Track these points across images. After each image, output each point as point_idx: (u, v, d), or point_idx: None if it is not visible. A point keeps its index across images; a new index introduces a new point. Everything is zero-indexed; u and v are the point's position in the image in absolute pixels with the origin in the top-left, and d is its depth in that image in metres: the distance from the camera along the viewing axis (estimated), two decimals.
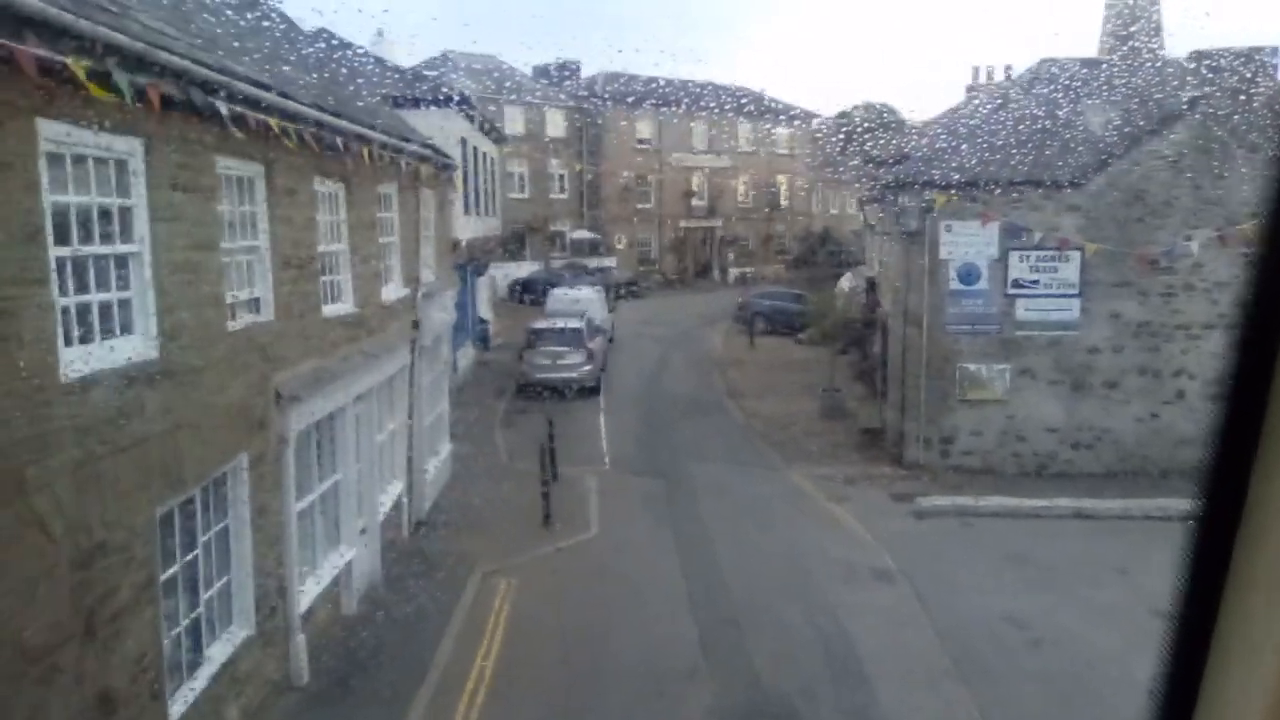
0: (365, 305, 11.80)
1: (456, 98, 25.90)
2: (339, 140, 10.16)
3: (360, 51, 25.07)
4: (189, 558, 7.76)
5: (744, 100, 60.78)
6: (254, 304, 8.92)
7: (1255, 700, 1.23)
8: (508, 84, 52.70)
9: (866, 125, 53.71)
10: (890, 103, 60.84)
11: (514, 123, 51.52)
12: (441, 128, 25.37)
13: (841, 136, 50.48)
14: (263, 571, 8.87)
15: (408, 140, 13.43)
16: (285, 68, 10.44)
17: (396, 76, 26.07)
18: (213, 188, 7.80)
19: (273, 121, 8.30)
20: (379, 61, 25.80)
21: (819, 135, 63.90)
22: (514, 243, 50.81)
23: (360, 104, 13.69)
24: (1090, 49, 22.75)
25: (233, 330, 8.24)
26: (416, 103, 23.58)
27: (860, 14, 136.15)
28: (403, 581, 12.63)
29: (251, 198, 8.84)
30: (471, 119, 29.05)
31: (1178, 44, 23.33)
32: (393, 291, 13.42)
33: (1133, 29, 22.21)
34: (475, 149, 30.63)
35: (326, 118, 9.80)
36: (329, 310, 10.60)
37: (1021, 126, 20.47)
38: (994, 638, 11.84)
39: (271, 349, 8.98)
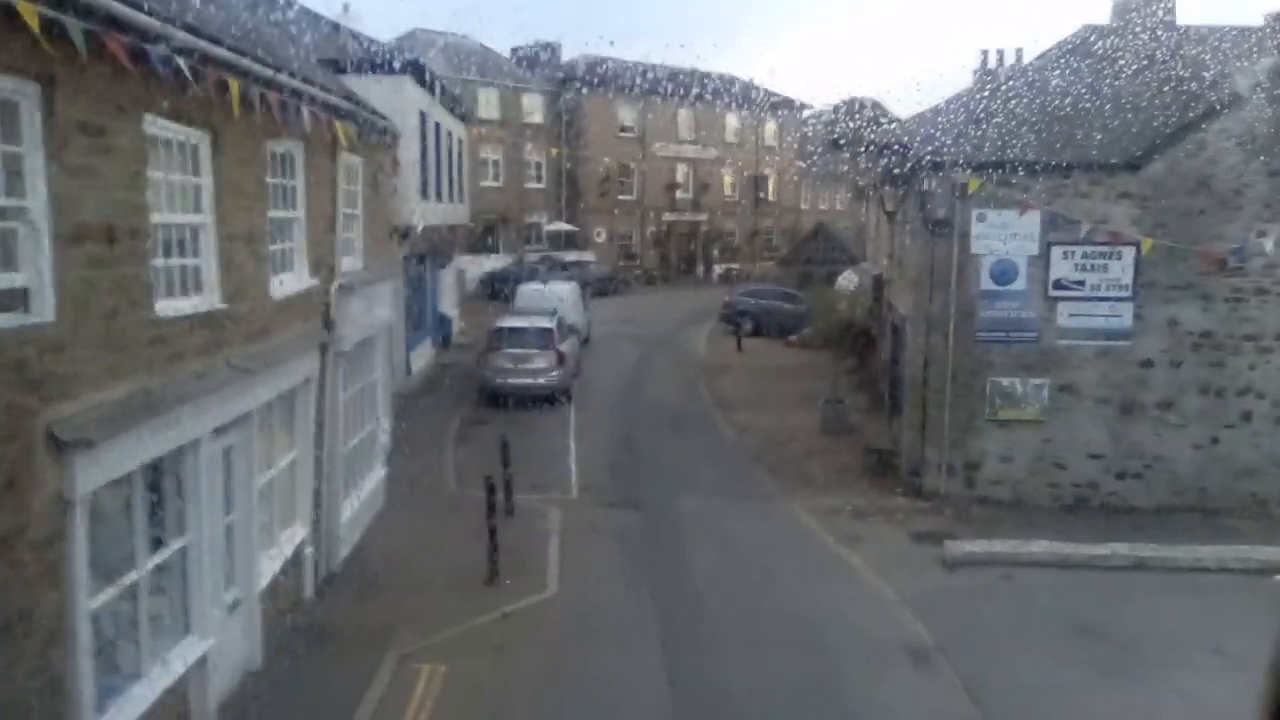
0: (239, 299, 8.67)
1: (412, 64, 22.67)
2: (199, 67, 7.05)
3: (301, 9, 21.77)
4: None
5: (731, 89, 57.81)
6: (13, 297, 5.80)
7: None
8: (482, 64, 49.44)
9: (859, 118, 50.93)
10: (880, 99, 58.12)
11: (488, 106, 48.32)
12: (395, 99, 22.15)
13: (834, 126, 47.61)
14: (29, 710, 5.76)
15: (317, 85, 10.30)
16: None
17: (344, 39, 22.79)
18: None
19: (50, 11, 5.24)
20: (321, 20, 22.55)
21: (809, 126, 61.02)
22: (485, 233, 47.63)
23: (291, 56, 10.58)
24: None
25: None
26: (363, 67, 20.38)
27: (859, 5, 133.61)
28: (289, 670, 9.50)
29: (15, 133, 5.73)
30: (432, 90, 25.83)
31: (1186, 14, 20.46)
32: (291, 282, 10.30)
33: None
34: (437, 125, 27.42)
35: (178, 33, 6.70)
36: (169, 306, 7.48)
37: (1063, 102, 17.54)
38: None
39: (44, 367, 5.87)
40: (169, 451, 7.47)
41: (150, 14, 6.34)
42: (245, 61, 7.85)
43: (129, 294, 6.77)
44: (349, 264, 12.62)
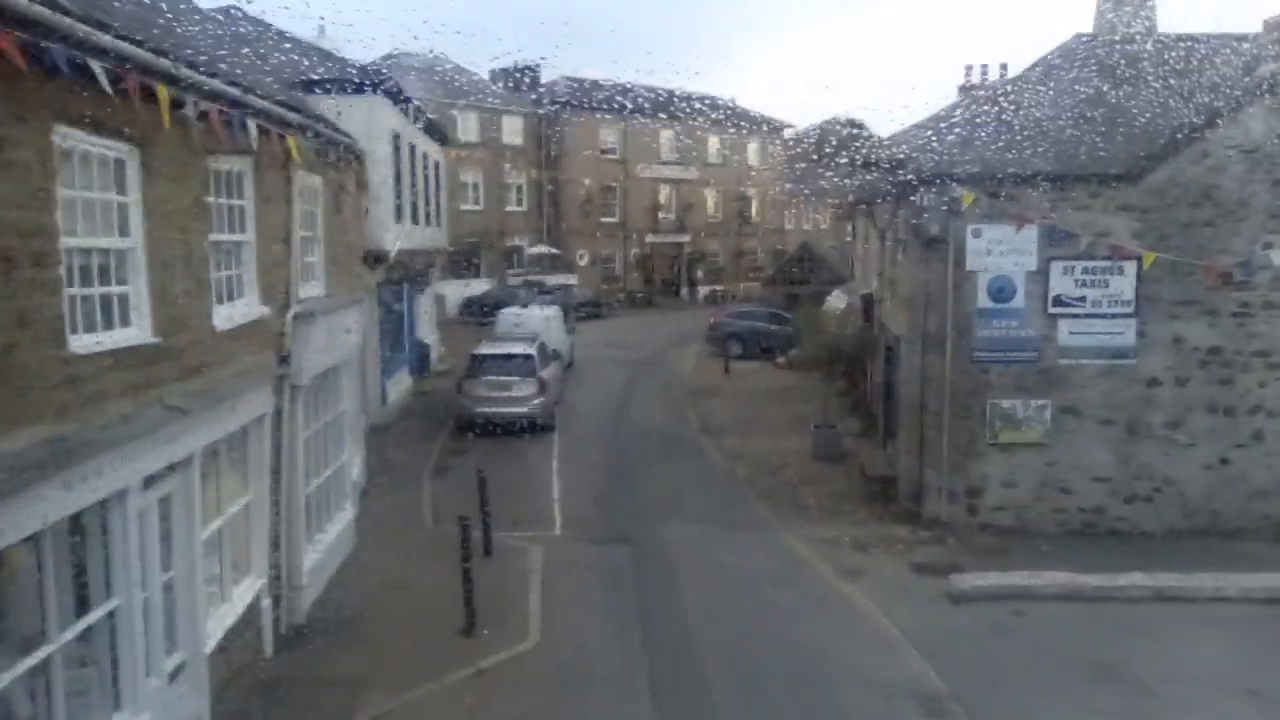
0: (175, 331, 7.81)
1: (384, 83, 21.90)
2: (116, 70, 6.24)
3: (272, 30, 20.99)
4: None
5: (713, 109, 57.39)
6: None
7: None
8: (461, 86, 48.77)
9: (844, 136, 50.55)
10: (860, 118, 57.85)
11: (467, 128, 47.63)
12: (367, 120, 21.44)
13: (819, 144, 47.16)
14: None
15: (268, 98, 9.49)
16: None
17: (312, 58, 21.98)
18: None
19: None
20: (289, 39, 21.77)
21: (792, 146, 60.66)
22: (466, 257, 46.82)
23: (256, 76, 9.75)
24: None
25: None
26: (334, 87, 19.59)
27: (832, 25, 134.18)
28: None
29: None
30: (406, 111, 25.08)
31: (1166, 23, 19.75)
32: (240, 311, 9.44)
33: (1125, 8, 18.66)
34: (413, 148, 26.64)
35: (101, 36, 5.90)
36: (87, 341, 6.61)
37: (1058, 113, 16.93)
38: None
39: None
40: (89, 505, 6.58)
41: (53, 7, 5.51)
42: (173, 66, 7.02)
43: (32, 328, 5.91)
44: (309, 290, 11.77)
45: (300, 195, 11.44)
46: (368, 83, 21.28)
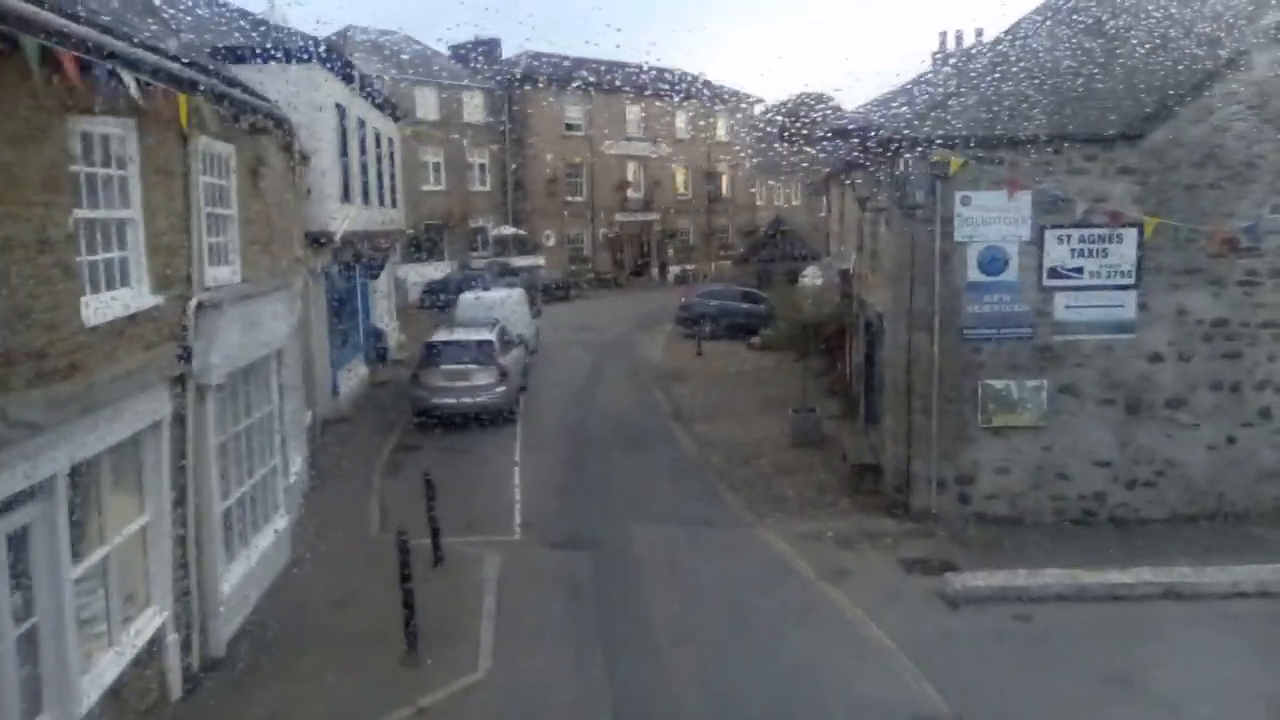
0: (23, 327, 6.40)
1: (326, 53, 20.29)
2: None
3: None
4: None
5: (681, 84, 55.86)
6: None
7: None
8: (419, 62, 46.94)
9: (816, 109, 49.29)
10: (829, 93, 56.60)
11: (426, 106, 45.86)
12: (306, 90, 19.85)
13: (790, 117, 45.91)
14: None
15: (155, 51, 8.01)
16: None
17: (249, 26, 20.31)
18: None
19: None
20: (225, 5, 20.11)
21: (762, 121, 59.35)
22: (428, 239, 45.14)
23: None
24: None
25: None
26: (263, 55, 17.99)
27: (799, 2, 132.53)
28: None
29: None
30: (353, 84, 23.47)
31: None
32: (122, 301, 8.00)
33: None
34: (362, 122, 25.04)
35: None
36: None
37: (1050, 71, 15.69)
38: None
39: None
40: None
41: None
42: (52, 16, 5.58)
43: None
44: (219, 275, 10.33)
45: (205, 167, 9.98)
46: (306, 51, 19.69)
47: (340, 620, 10.96)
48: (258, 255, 11.87)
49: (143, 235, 8.40)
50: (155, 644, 8.68)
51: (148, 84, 7.97)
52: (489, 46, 52.55)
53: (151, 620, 8.69)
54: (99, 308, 7.51)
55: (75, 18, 6.75)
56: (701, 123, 57.37)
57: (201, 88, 9.04)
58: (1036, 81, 15.41)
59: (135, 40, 7.66)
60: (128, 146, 8.22)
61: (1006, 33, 16.96)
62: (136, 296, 8.24)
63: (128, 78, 7.52)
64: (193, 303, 9.18)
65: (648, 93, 53.32)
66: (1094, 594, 11.99)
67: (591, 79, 50.80)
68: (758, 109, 60.90)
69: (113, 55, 7.26)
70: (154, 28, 10.37)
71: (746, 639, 10.76)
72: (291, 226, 16.89)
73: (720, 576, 12.54)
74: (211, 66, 9.87)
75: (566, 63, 50.74)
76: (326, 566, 12.60)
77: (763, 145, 58.03)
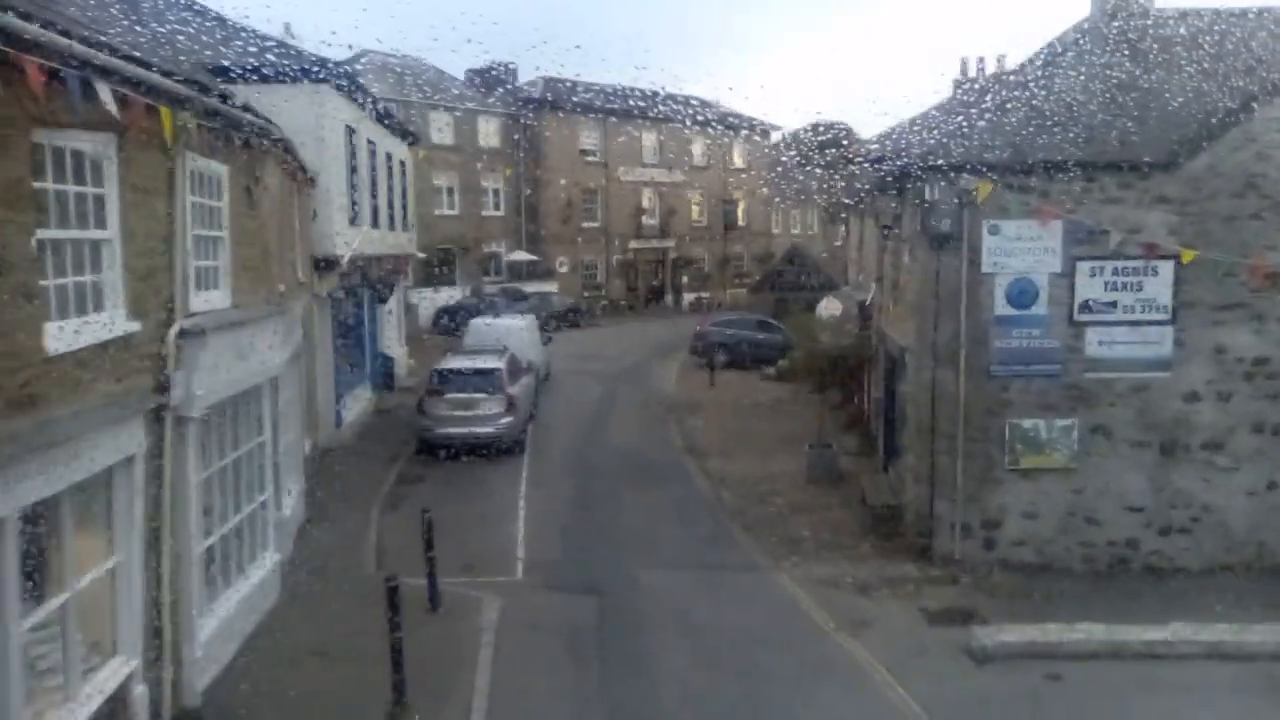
0: None
1: (335, 74, 19.91)
2: None
3: (211, 14, 18.89)
4: None
5: (697, 110, 55.57)
6: None
7: None
8: (434, 86, 46.74)
9: (835, 136, 48.90)
10: (847, 122, 56.13)
11: (441, 130, 45.63)
12: (314, 111, 19.54)
13: (810, 144, 45.48)
14: None
15: (136, 62, 7.50)
16: None
17: (260, 47, 19.92)
18: None
19: None
20: (235, 25, 19.76)
21: (779, 148, 58.97)
22: (441, 264, 44.74)
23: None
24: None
25: None
26: (268, 74, 17.59)
27: (821, 25, 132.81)
28: None
29: None
30: (363, 106, 23.12)
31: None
32: (93, 328, 7.43)
33: None
34: (373, 144, 24.70)
35: None
36: None
37: (1081, 97, 15.11)
38: None
39: None
40: None
41: None
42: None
43: None
44: (206, 300, 9.77)
45: (195, 186, 9.46)
46: (314, 71, 19.31)
47: (327, 670, 10.29)
48: (252, 279, 11.33)
49: (120, 257, 7.85)
50: (120, 697, 8.04)
51: (126, 97, 7.46)
52: (505, 71, 52.44)
53: (118, 671, 8.05)
54: (65, 335, 6.94)
55: (47, 23, 6.25)
56: (718, 149, 57.03)
57: (189, 103, 8.51)
58: (1068, 106, 14.83)
59: (114, 50, 7.13)
60: (105, 163, 7.68)
61: (1036, 56, 16.39)
62: (110, 323, 7.67)
63: (103, 89, 7.00)
64: (174, 330, 8.62)
65: (664, 119, 53.03)
66: (1131, 652, 11.21)
67: (607, 105, 50.59)
68: (775, 136, 60.60)
69: (86, 64, 6.74)
70: (145, 42, 9.93)
71: (759, 702, 10.00)
72: (295, 249, 16.43)
73: (733, 629, 11.79)
74: (204, 82, 9.34)
75: (582, 88, 50.48)
76: (316, 609, 11.93)
77: (780, 172, 57.64)
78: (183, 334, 8.70)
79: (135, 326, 8.02)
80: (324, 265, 19.92)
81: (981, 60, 27.99)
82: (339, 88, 20.65)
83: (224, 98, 10.11)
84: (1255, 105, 13.84)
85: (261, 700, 9.60)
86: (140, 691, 8.33)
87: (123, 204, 7.89)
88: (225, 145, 10.13)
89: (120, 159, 7.84)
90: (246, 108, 10.66)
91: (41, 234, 6.75)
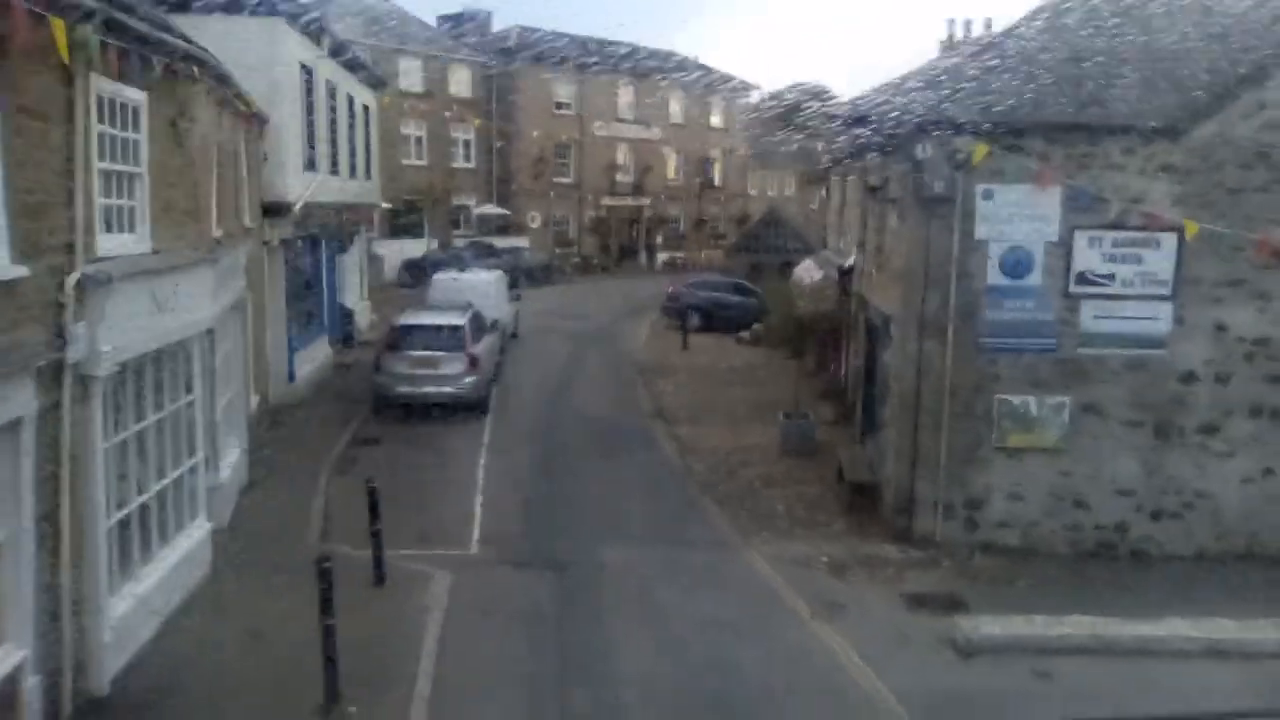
0: None
1: (284, 3, 18.52)
2: None
3: None
4: None
5: (676, 66, 54.17)
6: None
7: None
8: (403, 31, 45.00)
9: (814, 97, 47.71)
10: (825, 84, 54.91)
11: (410, 76, 43.96)
12: (264, 46, 18.24)
13: (792, 103, 44.37)
14: None
15: None
16: None
17: None
18: None
19: None
20: None
21: (760, 107, 57.70)
22: (409, 216, 43.32)
23: None
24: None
25: None
26: (212, 3, 16.26)
27: None
28: None
29: None
30: (321, 44, 21.73)
31: None
32: None
33: None
34: (333, 86, 23.35)
35: None
36: None
37: (1084, 56, 14.19)
38: None
39: None
40: None
41: None
42: None
43: None
44: (118, 244, 8.68)
45: (102, 115, 8.32)
46: (266, 4, 17.96)
47: (256, 654, 9.38)
48: (178, 222, 10.22)
49: (1, 193, 6.75)
50: (8, 689, 7.08)
51: (9, 3, 6.33)
52: (479, 18, 50.69)
53: (4, 660, 7.09)
54: None
55: None
56: (696, 107, 55.74)
57: (91, 16, 7.36)
58: (1072, 66, 13.91)
59: None
60: None
61: (1037, 14, 15.41)
62: None
63: None
64: (73, 276, 7.54)
65: (642, 74, 51.63)
66: (1122, 647, 10.54)
67: (584, 57, 49.07)
68: (754, 95, 59.32)
69: None
70: None
71: (727, 699, 9.22)
72: (240, 193, 15.26)
73: (700, 614, 10.98)
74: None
75: (558, 39, 48.88)
76: (252, 584, 11.02)
77: (759, 132, 56.44)
78: (84, 281, 7.62)
79: (22, 271, 6.95)
80: (275, 211, 18.73)
81: (969, 22, 27.12)
82: (294, 23, 19.30)
83: (153, 21, 8.95)
84: (1267, 72, 13.00)
85: (180, 688, 8.69)
86: (32, 683, 7.38)
87: (5, 128, 6.78)
88: (145, 70, 8.96)
89: (1, 75, 6.71)
90: (167, 27, 9.46)
91: None
